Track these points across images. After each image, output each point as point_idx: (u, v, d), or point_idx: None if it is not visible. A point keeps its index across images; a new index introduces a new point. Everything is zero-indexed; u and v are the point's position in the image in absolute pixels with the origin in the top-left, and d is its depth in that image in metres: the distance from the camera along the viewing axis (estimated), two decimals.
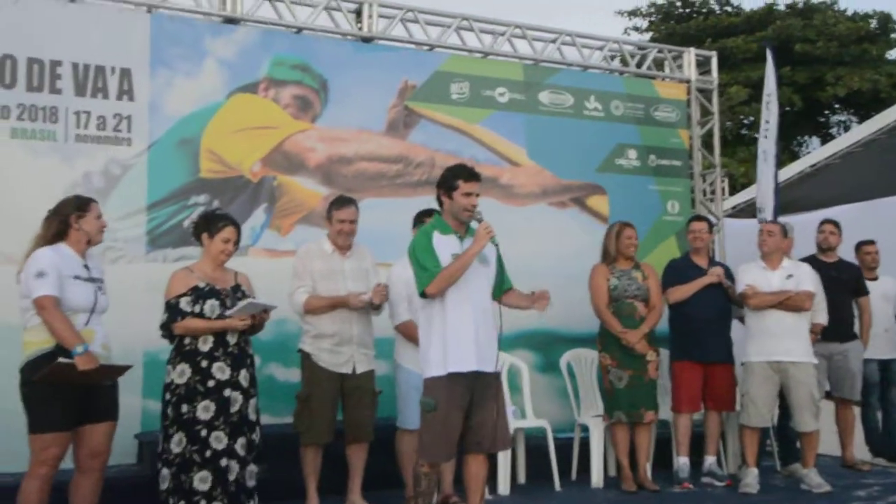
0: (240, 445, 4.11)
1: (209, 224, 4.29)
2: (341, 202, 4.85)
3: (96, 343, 3.82)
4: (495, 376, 4.02)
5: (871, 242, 6.73)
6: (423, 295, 3.95)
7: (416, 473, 3.95)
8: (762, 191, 7.14)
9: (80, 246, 3.93)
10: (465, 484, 4.05)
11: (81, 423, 3.81)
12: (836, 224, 6.41)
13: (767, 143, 7.10)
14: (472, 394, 3.92)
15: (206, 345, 4.12)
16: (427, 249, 3.96)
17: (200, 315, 4.12)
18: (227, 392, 4.10)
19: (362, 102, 6.20)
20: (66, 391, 3.70)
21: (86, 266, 3.93)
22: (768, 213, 6.89)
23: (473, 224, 4.02)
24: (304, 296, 4.69)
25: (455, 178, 4.01)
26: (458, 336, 3.90)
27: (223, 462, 4.04)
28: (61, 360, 3.64)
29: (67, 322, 3.72)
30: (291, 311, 4.87)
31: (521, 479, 5.75)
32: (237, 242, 4.30)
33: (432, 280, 3.89)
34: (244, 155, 5.82)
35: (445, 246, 3.97)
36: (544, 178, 6.79)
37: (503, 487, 5.41)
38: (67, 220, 3.90)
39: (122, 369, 3.92)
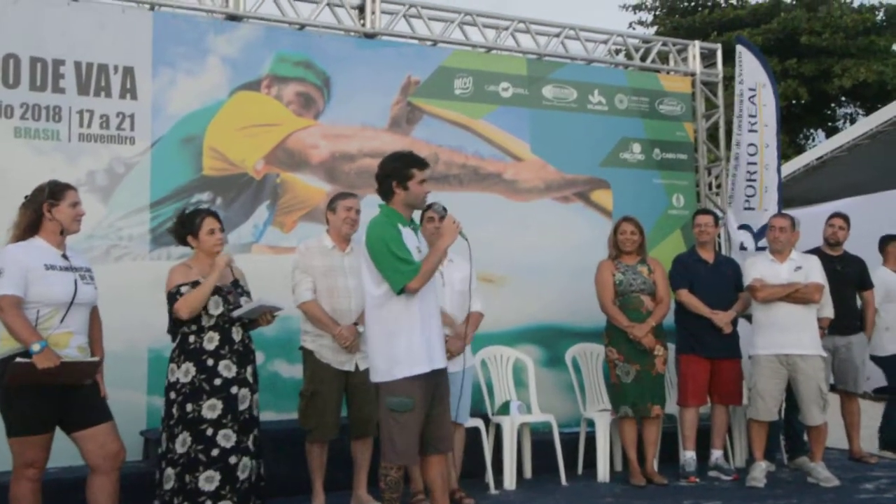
0: (251, 442, 4.13)
1: (188, 225, 4.23)
2: (346, 194, 4.95)
3: (72, 346, 3.62)
4: (444, 371, 3.94)
5: None
6: (402, 291, 3.73)
7: (393, 479, 3.81)
8: (737, 188, 6.96)
9: (56, 237, 3.69)
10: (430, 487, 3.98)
11: (73, 429, 3.66)
12: (845, 219, 6.32)
13: (754, 137, 6.94)
14: (434, 392, 3.86)
15: (211, 343, 4.09)
16: (402, 243, 3.79)
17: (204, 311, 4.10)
18: (233, 389, 4.08)
19: (365, 99, 6.20)
20: (40, 392, 3.51)
21: (64, 256, 3.70)
22: (771, 208, 6.82)
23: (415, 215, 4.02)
24: (308, 294, 4.67)
25: (409, 166, 3.91)
26: (429, 332, 3.83)
27: (232, 460, 4.01)
28: (18, 359, 3.44)
29: (23, 320, 3.50)
30: (295, 309, 4.87)
31: (527, 473, 5.74)
32: (222, 229, 4.25)
33: (416, 275, 3.73)
34: (247, 152, 5.83)
35: (409, 239, 3.85)
36: (548, 173, 6.78)
37: (509, 482, 5.41)
38: (40, 209, 3.67)
39: (91, 365, 3.68)
